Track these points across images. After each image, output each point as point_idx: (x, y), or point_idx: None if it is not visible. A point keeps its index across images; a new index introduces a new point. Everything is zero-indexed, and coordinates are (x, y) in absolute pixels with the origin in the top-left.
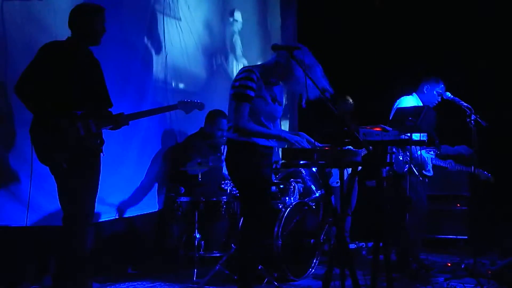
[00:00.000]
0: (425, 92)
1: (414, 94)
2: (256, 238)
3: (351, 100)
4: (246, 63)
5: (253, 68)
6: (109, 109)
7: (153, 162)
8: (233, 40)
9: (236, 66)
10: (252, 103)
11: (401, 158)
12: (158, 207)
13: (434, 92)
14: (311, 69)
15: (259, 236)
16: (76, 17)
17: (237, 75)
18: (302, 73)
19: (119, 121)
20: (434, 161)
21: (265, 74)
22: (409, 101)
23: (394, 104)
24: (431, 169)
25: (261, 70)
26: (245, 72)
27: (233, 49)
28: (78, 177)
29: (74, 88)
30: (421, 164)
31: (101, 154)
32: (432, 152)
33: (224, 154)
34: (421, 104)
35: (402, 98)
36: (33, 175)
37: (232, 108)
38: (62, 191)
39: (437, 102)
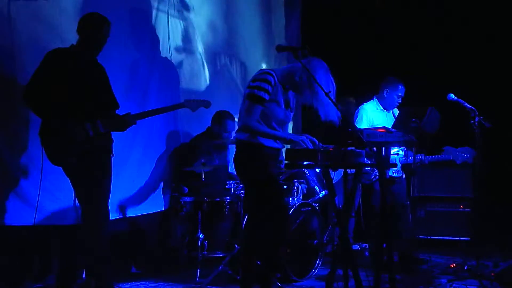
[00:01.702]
0: (385, 96)
1: (374, 98)
2: (262, 238)
3: (354, 101)
4: (245, 62)
5: (273, 71)
6: (116, 111)
7: (157, 162)
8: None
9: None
10: (266, 106)
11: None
12: (161, 207)
13: (394, 96)
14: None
15: (267, 235)
16: (84, 25)
17: (255, 75)
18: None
19: (126, 121)
20: (403, 161)
21: (284, 79)
22: (369, 107)
23: (356, 113)
24: (400, 170)
25: (281, 74)
26: (264, 74)
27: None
28: (91, 176)
29: (80, 92)
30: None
31: (111, 155)
32: (401, 151)
33: (229, 153)
34: (381, 109)
35: (362, 105)
36: (41, 175)
37: (245, 107)
38: (77, 190)
39: (397, 105)
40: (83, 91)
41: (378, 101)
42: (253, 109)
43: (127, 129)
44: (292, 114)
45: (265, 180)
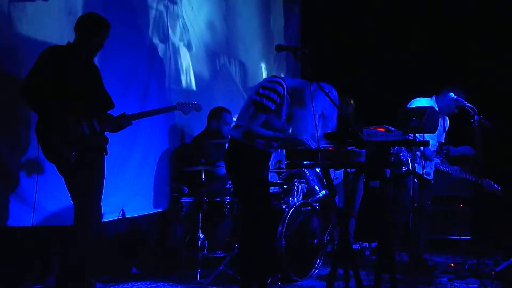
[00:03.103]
0: (444, 101)
1: (433, 97)
2: (256, 238)
3: (352, 102)
4: (244, 62)
5: (284, 81)
6: (111, 111)
7: (157, 162)
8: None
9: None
10: (268, 114)
11: (401, 154)
12: (161, 207)
13: (455, 105)
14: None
15: (260, 236)
16: (83, 25)
17: (265, 81)
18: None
19: (121, 122)
20: (439, 166)
21: (292, 91)
22: (425, 103)
23: (409, 104)
24: (431, 173)
25: (291, 86)
26: (274, 83)
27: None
28: (84, 175)
29: (75, 90)
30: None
31: (105, 154)
32: (438, 157)
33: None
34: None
35: (419, 98)
36: (38, 175)
37: (249, 112)
38: (71, 189)
39: (451, 114)
40: (79, 89)
41: (436, 101)
42: (257, 117)
43: (123, 129)
44: (291, 126)
45: (254, 179)
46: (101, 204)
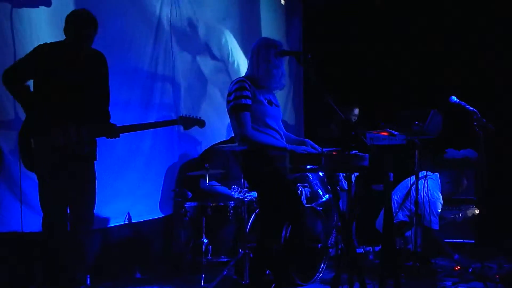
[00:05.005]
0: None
1: None
2: (276, 245)
3: (357, 112)
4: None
5: (243, 77)
6: (108, 118)
7: (161, 167)
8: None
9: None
10: (252, 110)
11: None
12: (165, 212)
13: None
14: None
15: (281, 242)
16: (67, 21)
17: (229, 89)
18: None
19: (110, 133)
20: None
21: (253, 81)
22: None
23: None
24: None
25: (249, 78)
26: (237, 83)
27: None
28: (62, 183)
29: (64, 91)
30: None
31: (94, 161)
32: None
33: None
34: None
35: None
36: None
37: (234, 120)
38: (42, 194)
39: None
40: (69, 91)
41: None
42: (243, 118)
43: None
44: (279, 109)
45: (277, 185)
46: (104, 210)
